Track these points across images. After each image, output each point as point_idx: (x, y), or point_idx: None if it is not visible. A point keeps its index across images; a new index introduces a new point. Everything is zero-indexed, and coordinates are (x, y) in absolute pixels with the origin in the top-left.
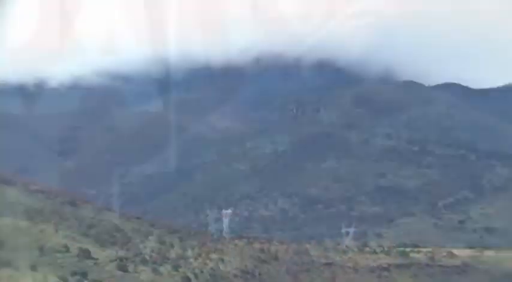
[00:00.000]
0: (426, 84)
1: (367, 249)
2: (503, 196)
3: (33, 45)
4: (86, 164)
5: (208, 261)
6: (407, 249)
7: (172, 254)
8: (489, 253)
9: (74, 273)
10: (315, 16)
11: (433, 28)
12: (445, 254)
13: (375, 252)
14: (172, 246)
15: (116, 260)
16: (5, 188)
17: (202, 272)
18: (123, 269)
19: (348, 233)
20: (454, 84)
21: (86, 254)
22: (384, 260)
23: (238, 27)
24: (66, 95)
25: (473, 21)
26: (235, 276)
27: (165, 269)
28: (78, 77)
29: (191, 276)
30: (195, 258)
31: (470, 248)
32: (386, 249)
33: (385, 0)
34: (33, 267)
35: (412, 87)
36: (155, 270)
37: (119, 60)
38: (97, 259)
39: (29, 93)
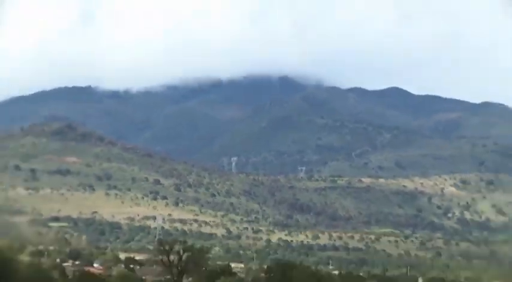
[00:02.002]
0: (342, 88)
1: (312, 178)
2: (387, 150)
3: (122, 71)
4: (154, 134)
5: (224, 185)
6: (335, 178)
7: (205, 181)
8: (381, 180)
9: (150, 193)
10: (279, 48)
11: (345, 53)
12: (356, 180)
13: (316, 180)
14: (204, 177)
15: (174, 185)
16: (111, 147)
17: (221, 191)
18: (178, 190)
19: (301, 170)
20: (358, 87)
21: (157, 182)
22: (322, 184)
23: (234, 57)
24: (141, 97)
25: (370, 42)
26: (240, 193)
27: (201, 190)
28: (148, 87)
29: (215, 193)
30: (217, 184)
31: (370, 177)
32: (323, 178)
33: (315, 38)
34: (129, 189)
35: (334, 90)
36: (196, 191)
37: (169, 76)
38: (163, 184)
39: (121, 96)
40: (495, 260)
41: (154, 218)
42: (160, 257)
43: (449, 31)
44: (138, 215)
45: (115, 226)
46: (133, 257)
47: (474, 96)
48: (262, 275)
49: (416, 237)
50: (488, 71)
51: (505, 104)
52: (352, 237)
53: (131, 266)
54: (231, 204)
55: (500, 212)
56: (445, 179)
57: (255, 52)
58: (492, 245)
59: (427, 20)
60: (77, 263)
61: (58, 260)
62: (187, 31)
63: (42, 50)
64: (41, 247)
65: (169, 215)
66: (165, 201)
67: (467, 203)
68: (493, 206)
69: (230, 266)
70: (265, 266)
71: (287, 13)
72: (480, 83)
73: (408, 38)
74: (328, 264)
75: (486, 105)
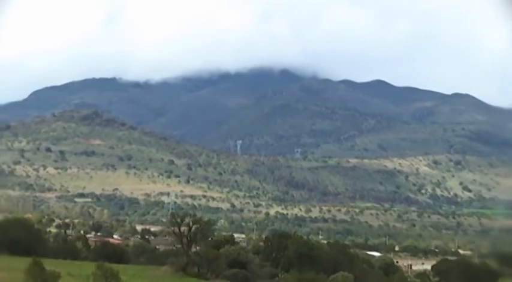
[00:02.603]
0: (334, 80)
1: (307, 159)
2: (371, 134)
3: (143, 64)
4: (170, 120)
5: (230, 165)
6: (326, 159)
7: (213, 161)
8: (366, 161)
9: (165, 172)
10: (280, 44)
11: (337, 50)
12: (344, 161)
13: (310, 160)
14: (213, 158)
15: (186, 165)
16: (132, 131)
17: (227, 170)
18: (190, 169)
19: (297, 152)
20: (348, 80)
21: (171, 162)
22: (314, 164)
23: (241, 53)
24: (159, 87)
25: (358, 41)
26: (243, 172)
27: (209, 168)
28: (165, 78)
29: (222, 172)
30: (224, 164)
31: (356, 158)
32: (316, 159)
33: (311, 36)
34: (146, 168)
35: (327, 81)
36: (205, 170)
37: (184, 69)
38: (177, 164)
39: (142, 86)
40: (461, 230)
41: (168, 194)
42: (172, 228)
43: (426, 31)
44: (154, 192)
45: (133, 201)
46: (149, 229)
47: (446, 88)
48: (261, 244)
49: (394, 211)
50: (458, 67)
51: (472, 95)
52: (339, 211)
53: (146, 236)
54: (236, 181)
55: (466, 188)
56: (420, 160)
57: (259, 48)
58: (459, 218)
59: (407, 21)
60: (98, 234)
61: (82, 232)
62: (200, 30)
63: (74, 47)
64: (67, 220)
65: (181, 191)
66: (177, 179)
67: (438, 180)
68: (460, 183)
69: (233, 236)
70: (264, 236)
71: (287, 15)
72: (451, 77)
73: (391, 37)
74: (318, 234)
75: (456, 95)
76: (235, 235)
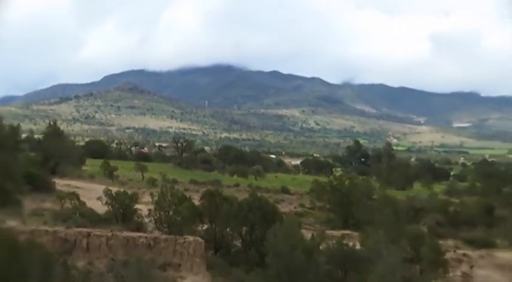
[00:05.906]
0: (253, 70)
1: (239, 109)
2: (272, 97)
3: (157, 62)
4: (173, 90)
5: (202, 113)
6: (249, 110)
7: (193, 111)
8: (268, 110)
9: (170, 116)
10: (227, 50)
11: (253, 52)
12: (258, 110)
13: (242, 110)
14: (194, 109)
15: (180, 113)
16: (153, 96)
17: (201, 115)
18: (182, 115)
19: (236, 106)
20: (260, 70)
21: (173, 111)
22: (244, 112)
23: (207, 56)
24: (166, 74)
25: (260, 47)
26: (209, 116)
27: (191, 115)
28: (170, 69)
29: (198, 116)
30: (199, 112)
31: (264, 109)
32: (244, 109)
33: (244, 44)
34: (160, 114)
35: (250, 71)
36: (190, 115)
37: (179, 64)
38: (176, 113)
39: (157, 74)
40: (315, 145)
41: (171, 127)
42: (173, 144)
43: (302, 39)
44: (164, 126)
45: (154, 131)
46: (162, 145)
47: (308, 73)
48: (217, 152)
49: (282, 135)
50: (314, 60)
51: (320, 78)
52: (256, 135)
53: (160, 148)
54: (205, 121)
55: (317, 124)
56: (295, 110)
57: (217, 52)
58: (313, 138)
59: (291, 32)
60: (137, 147)
61: (128, 146)
62: (187, 42)
63: (124, 51)
64: (121, 140)
65: (178, 126)
66: (176, 120)
67: (303, 120)
68: (314, 121)
69: (204, 148)
70: (219, 148)
71: (231, 34)
72: (310, 67)
73: (282, 43)
74: (245, 147)
75: (312, 78)
76: (205, 148)
